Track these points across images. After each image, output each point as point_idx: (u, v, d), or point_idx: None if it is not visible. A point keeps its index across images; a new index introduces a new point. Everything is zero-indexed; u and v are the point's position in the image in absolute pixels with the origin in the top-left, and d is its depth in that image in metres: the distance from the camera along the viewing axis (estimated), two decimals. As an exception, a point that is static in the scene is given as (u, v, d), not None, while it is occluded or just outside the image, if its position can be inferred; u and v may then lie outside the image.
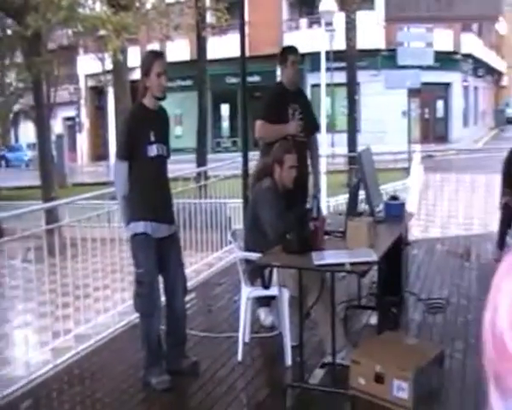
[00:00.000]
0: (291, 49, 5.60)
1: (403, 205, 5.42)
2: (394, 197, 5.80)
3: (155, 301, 4.21)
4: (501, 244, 7.46)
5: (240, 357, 4.61)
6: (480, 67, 41.15)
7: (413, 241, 8.04)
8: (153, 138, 4.16)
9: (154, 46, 28.05)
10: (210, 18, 22.64)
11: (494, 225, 8.33)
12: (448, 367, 4.38)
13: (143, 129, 4.16)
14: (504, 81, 57.25)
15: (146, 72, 4.11)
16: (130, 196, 4.18)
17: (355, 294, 5.66)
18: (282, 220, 4.41)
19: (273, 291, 4.57)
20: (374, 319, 5.31)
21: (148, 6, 18.43)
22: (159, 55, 4.32)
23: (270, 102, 5.55)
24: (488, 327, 0.97)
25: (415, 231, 9.25)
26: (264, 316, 5.22)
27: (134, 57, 17.26)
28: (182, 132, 31.04)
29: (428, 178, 12.02)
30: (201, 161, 18.23)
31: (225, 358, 4.72)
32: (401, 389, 3.87)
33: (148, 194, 4.18)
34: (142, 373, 4.30)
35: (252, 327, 4.99)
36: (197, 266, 7.01)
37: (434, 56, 17.47)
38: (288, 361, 4.50)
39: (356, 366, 4.07)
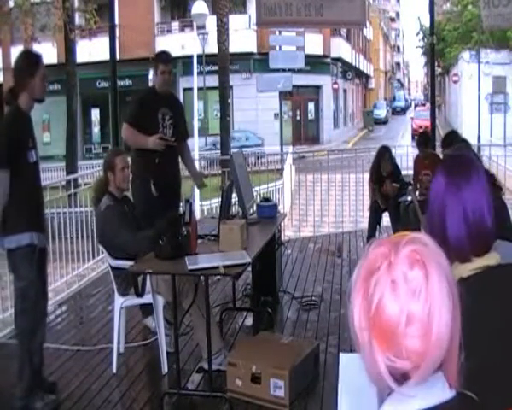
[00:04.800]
0: (162, 58, 5.46)
1: (275, 206, 5.51)
2: (267, 199, 5.91)
3: (39, 315, 3.99)
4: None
5: (115, 368, 4.48)
6: (349, 71, 42.97)
7: (286, 241, 8.21)
8: (31, 144, 3.96)
9: (19, 48, 26.78)
10: (79, 20, 21.99)
11: (364, 222, 8.69)
12: (323, 362, 4.48)
13: (24, 134, 3.93)
14: (372, 84, 60.14)
15: (31, 73, 3.88)
16: (10, 206, 3.85)
17: (230, 296, 5.69)
18: (135, 230, 4.41)
19: (147, 299, 4.48)
20: (249, 321, 5.35)
21: (11, 4, 17.60)
22: (42, 57, 4.08)
23: (138, 105, 5.45)
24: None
25: (288, 231, 9.45)
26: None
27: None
28: (50, 139, 29.87)
29: (300, 178, 12.37)
30: (71, 169, 17.65)
31: (100, 370, 4.56)
32: (278, 388, 3.92)
33: (31, 202, 3.96)
34: (20, 404, 3.94)
35: (126, 336, 4.88)
36: (68, 277, 6.74)
37: (305, 60, 18.01)
38: (165, 368, 4.44)
39: (232, 368, 4.08)
